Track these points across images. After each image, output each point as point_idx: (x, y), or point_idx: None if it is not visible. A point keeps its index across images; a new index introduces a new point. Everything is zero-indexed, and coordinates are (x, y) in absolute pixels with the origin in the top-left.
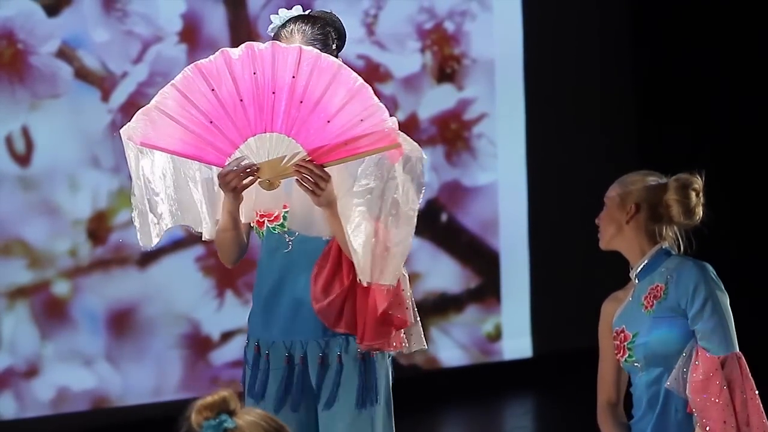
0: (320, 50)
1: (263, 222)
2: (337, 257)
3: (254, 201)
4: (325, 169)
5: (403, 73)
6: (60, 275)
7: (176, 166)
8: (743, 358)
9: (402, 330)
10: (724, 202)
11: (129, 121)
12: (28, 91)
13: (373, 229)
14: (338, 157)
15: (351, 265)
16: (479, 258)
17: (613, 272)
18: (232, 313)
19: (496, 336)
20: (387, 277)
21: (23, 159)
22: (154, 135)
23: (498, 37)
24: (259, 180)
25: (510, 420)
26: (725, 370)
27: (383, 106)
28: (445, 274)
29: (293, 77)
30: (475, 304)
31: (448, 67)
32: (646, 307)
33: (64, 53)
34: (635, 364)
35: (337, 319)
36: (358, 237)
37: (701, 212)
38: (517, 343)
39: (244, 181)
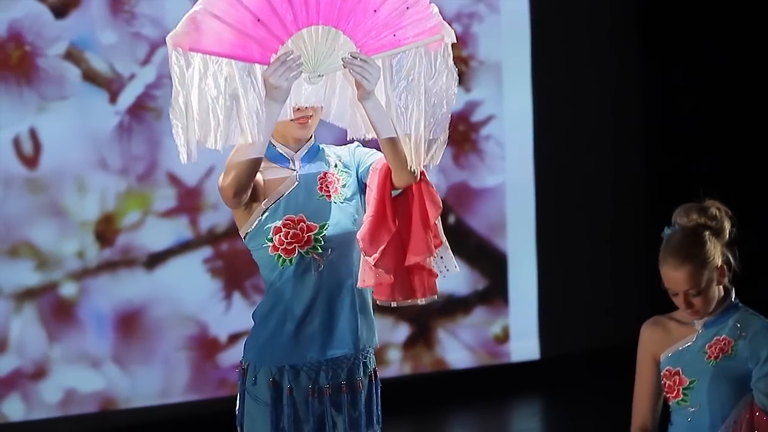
0: None
1: (293, 249)
2: (381, 208)
3: (292, 98)
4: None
5: None
6: (68, 277)
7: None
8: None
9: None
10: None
11: (136, 121)
12: (36, 93)
13: (420, 115)
14: (385, 49)
15: (394, 211)
16: (487, 260)
17: (620, 274)
18: (240, 315)
19: (504, 338)
20: (436, 158)
21: (31, 161)
22: (203, 39)
23: (505, 39)
24: (306, 74)
25: (517, 422)
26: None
27: None
28: (452, 276)
29: None
30: (482, 306)
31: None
32: (710, 357)
33: (72, 55)
34: (689, 408)
35: (391, 265)
36: (405, 123)
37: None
38: (524, 345)
39: (292, 74)
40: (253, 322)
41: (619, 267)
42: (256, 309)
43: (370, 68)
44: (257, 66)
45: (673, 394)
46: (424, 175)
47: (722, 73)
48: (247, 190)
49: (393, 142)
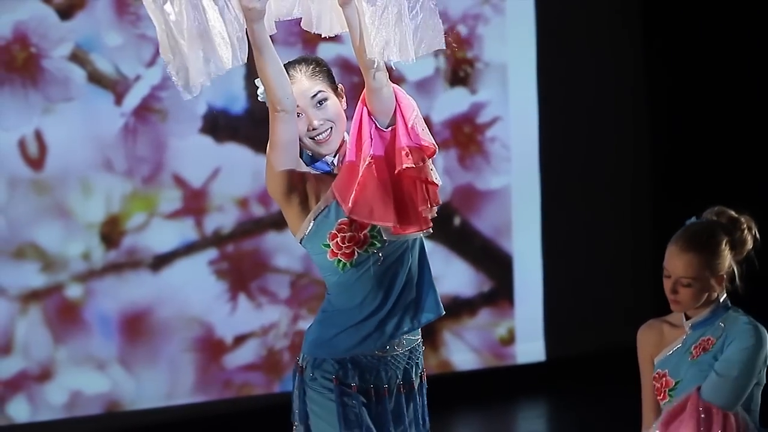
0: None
1: (352, 251)
2: (354, 152)
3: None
4: None
5: (417, 77)
6: (73, 279)
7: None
8: (734, 419)
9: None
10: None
11: (141, 123)
12: (41, 95)
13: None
14: None
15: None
16: (492, 262)
17: (626, 276)
18: (245, 317)
19: (509, 340)
20: (396, 56)
21: (36, 163)
22: None
23: (511, 40)
24: None
25: (523, 424)
26: (705, 420)
27: None
28: (458, 277)
29: None
30: (488, 308)
31: (461, 70)
32: (693, 357)
33: (77, 57)
34: None
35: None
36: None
37: (751, 243)
38: (530, 346)
39: None
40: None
41: (625, 269)
42: (322, 308)
43: None
44: None
45: (660, 396)
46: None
47: (728, 75)
48: (283, 88)
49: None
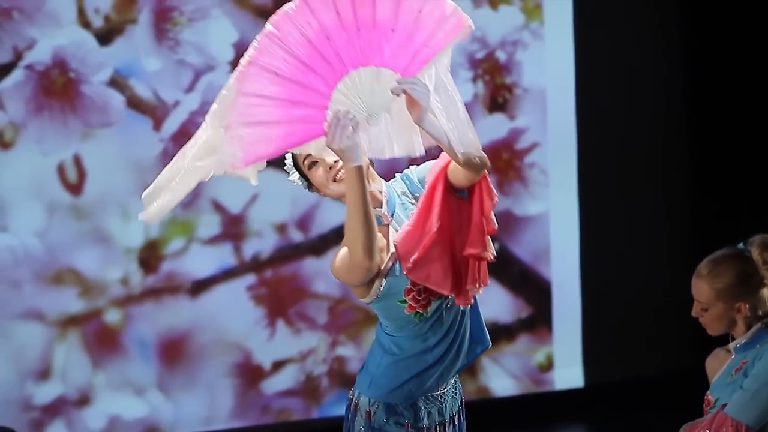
0: None
1: (429, 301)
2: (424, 213)
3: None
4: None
5: None
6: (112, 304)
7: None
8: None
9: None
10: None
11: (180, 148)
12: (80, 120)
13: (458, 104)
14: (427, 61)
15: (445, 211)
16: (531, 287)
17: (665, 302)
18: (284, 342)
19: (548, 366)
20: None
21: (75, 188)
22: (253, 150)
23: (550, 66)
24: (362, 121)
25: None
26: (719, 427)
27: None
28: (496, 303)
29: (337, 13)
30: (526, 334)
31: (499, 96)
32: (731, 377)
33: (116, 82)
34: None
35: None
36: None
37: None
38: (568, 372)
39: (349, 130)
40: (375, 363)
41: (665, 295)
42: (386, 350)
43: (419, 86)
44: None
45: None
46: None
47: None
48: (376, 246)
49: (456, 145)
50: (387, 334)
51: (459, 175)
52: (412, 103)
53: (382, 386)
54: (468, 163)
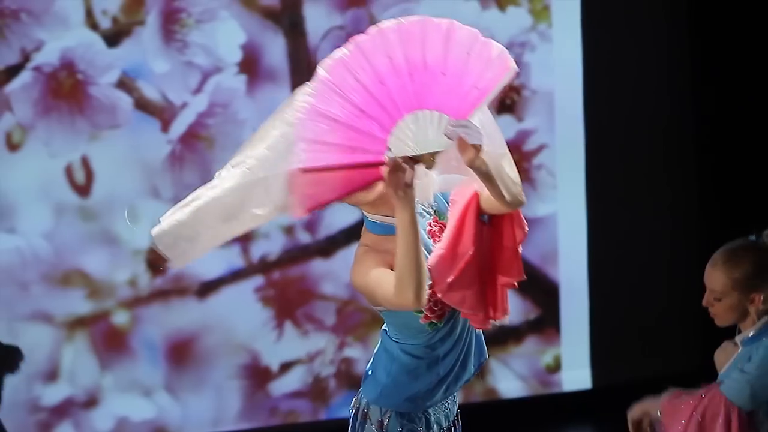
0: None
1: (444, 311)
2: (457, 235)
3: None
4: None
5: None
6: (119, 305)
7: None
8: (738, 415)
9: None
10: None
11: (188, 150)
12: (88, 122)
13: (503, 142)
14: (478, 103)
15: (476, 236)
16: (538, 289)
17: (673, 304)
18: (292, 344)
19: (556, 367)
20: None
21: (83, 189)
22: (316, 196)
23: (558, 68)
24: (420, 166)
25: None
26: (713, 402)
27: (475, 29)
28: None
29: (389, 58)
30: (534, 336)
31: (507, 98)
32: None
33: (124, 84)
34: None
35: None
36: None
37: None
38: (576, 374)
39: (408, 175)
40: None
41: (672, 297)
42: (394, 357)
43: (473, 130)
44: None
45: None
46: None
47: None
48: (425, 289)
49: (504, 187)
50: (395, 341)
51: (493, 206)
52: (464, 147)
53: (393, 395)
54: (511, 203)
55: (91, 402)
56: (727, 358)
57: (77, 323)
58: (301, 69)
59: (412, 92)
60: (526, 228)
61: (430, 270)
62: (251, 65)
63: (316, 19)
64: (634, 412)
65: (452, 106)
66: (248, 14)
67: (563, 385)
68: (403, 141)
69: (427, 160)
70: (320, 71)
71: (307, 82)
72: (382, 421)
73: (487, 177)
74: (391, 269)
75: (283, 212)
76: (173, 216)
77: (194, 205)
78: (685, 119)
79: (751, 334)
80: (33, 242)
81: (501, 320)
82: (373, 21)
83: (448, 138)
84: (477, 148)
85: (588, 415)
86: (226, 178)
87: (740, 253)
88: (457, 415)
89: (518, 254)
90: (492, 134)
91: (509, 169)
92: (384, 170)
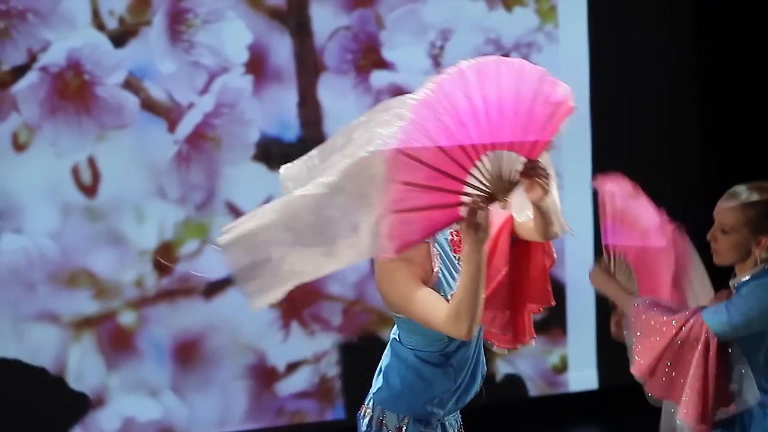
0: None
1: None
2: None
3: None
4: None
5: None
6: (126, 306)
7: None
8: (717, 346)
9: None
10: None
11: (194, 150)
12: (95, 122)
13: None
14: (545, 144)
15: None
16: None
17: None
18: (298, 344)
19: (562, 368)
20: None
21: (90, 189)
22: (403, 238)
23: (564, 68)
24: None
25: None
26: (694, 329)
27: (543, 68)
28: None
29: (468, 98)
30: (541, 336)
31: None
32: None
33: (131, 84)
34: None
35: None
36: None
37: None
38: (582, 375)
39: (486, 213)
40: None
41: None
42: (410, 364)
43: (543, 171)
44: None
45: None
46: None
47: None
48: (477, 324)
49: (558, 224)
50: (409, 348)
51: (528, 233)
52: (533, 186)
53: (409, 400)
54: (553, 237)
55: (97, 402)
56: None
57: (84, 323)
58: (308, 69)
59: (487, 131)
60: (555, 256)
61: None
62: (258, 65)
63: (323, 20)
64: (599, 284)
65: (524, 147)
66: (255, 15)
67: (570, 386)
68: (480, 181)
69: (501, 198)
70: (406, 112)
71: (390, 119)
72: (400, 427)
73: (544, 214)
74: (423, 281)
75: (374, 254)
76: (240, 228)
77: (265, 218)
78: (691, 119)
79: (747, 278)
80: (39, 242)
81: (528, 343)
82: (379, 21)
83: (523, 178)
84: (546, 190)
85: (594, 415)
86: (299, 195)
87: (760, 193)
88: (461, 427)
89: (548, 280)
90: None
91: (558, 206)
92: (463, 211)
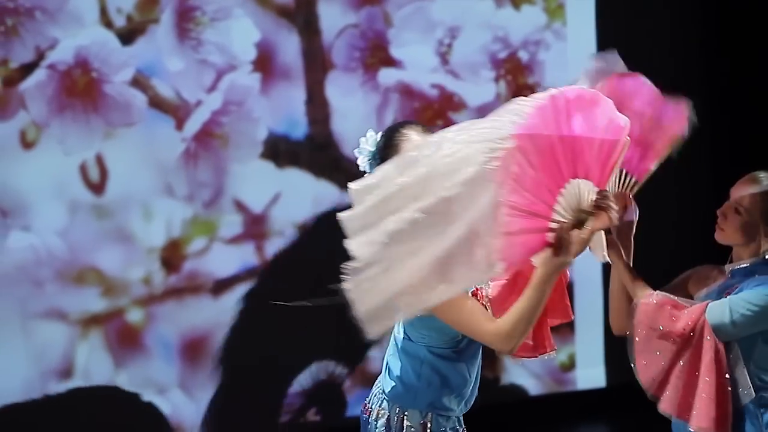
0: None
1: None
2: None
3: None
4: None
5: (477, 103)
6: (134, 303)
7: None
8: (711, 345)
9: None
10: None
11: (202, 148)
12: (103, 120)
13: None
14: (611, 173)
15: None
16: None
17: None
18: (306, 342)
19: (570, 366)
20: None
21: (97, 187)
22: (515, 257)
23: (572, 66)
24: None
25: None
26: (700, 340)
27: (610, 99)
28: None
29: (557, 123)
30: None
31: (522, 96)
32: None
33: (139, 82)
34: None
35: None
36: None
37: None
38: (590, 372)
39: (570, 238)
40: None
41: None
42: (426, 360)
43: (613, 202)
44: None
45: None
46: None
47: None
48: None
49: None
50: (422, 344)
51: None
52: (601, 216)
53: (429, 395)
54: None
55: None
56: (707, 280)
57: (91, 321)
58: (316, 67)
59: (571, 160)
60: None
61: (490, 300)
62: (265, 63)
63: (330, 17)
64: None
65: (595, 176)
66: (262, 12)
67: (578, 384)
68: (564, 208)
69: (579, 227)
70: (506, 139)
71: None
72: (425, 423)
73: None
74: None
75: (489, 277)
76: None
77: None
78: (699, 118)
79: (745, 265)
80: (47, 240)
81: (549, 354)
82: (387, 19)
83: (598, 209)
84: (612, 220)
85: (602, 413)
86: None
87: None
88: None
89: (566, 295)
90: None
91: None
92: (551, 237)
